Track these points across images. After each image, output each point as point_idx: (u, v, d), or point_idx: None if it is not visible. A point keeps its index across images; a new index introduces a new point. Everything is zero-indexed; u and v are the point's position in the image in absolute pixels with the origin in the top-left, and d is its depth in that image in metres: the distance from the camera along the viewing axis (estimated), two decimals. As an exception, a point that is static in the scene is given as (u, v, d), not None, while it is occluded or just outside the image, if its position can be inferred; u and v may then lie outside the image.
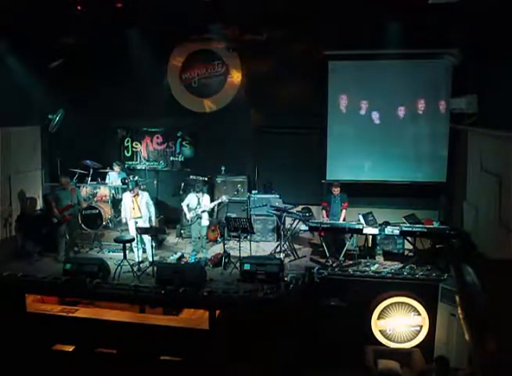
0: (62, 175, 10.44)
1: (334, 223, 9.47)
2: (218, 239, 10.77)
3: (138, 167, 12.30)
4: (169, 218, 11.50)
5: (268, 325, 7.65)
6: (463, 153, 9.80)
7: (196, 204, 9.68)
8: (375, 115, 10.88)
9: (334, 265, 9.02)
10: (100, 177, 11.23)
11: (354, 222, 9.32)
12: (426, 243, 9.34)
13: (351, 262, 9.15)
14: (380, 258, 9.47)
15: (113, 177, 11.19)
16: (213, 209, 10.61)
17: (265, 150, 11.67)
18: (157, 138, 12.31)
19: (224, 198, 10.00)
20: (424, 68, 10.47)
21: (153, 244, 9.39)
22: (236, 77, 11.63)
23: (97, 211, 10.58)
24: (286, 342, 7.71)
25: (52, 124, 11.29)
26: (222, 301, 8.09)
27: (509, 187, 7.48)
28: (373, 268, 8.90)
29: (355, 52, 10.56)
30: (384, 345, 8.45)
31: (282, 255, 9.49)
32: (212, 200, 10.09)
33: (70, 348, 8.57)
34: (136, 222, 9.17)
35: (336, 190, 9.74)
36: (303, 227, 10.52)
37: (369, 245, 9.62)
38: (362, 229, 9.07)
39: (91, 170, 11.12)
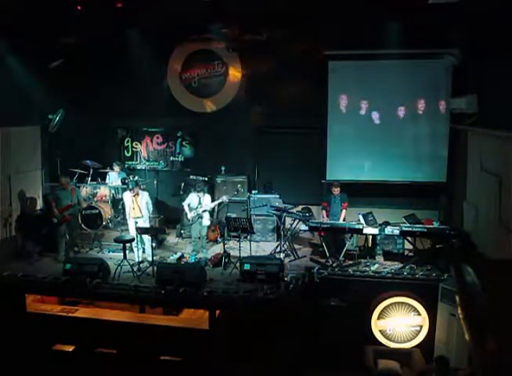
0: (62, 175, 10.43)
1: (334, 223, 9.47)
2: (218, 239, 10.77)
3: (138, 167, 12.30)
4: (169, 218, 11.50)
5: (268, 325, 7.65)
6: (463, 153, 9.80)
7: (197, 203, 9.68)
8: (375, 115, 10.88)
9: (334, 265, 9.02)
10: (100, 177, 11.24)
11: (354, 222, 9.32)
12: (426, 243, 9.33)
13: (351, 262, 9.15)
14: (380, 258, 9.47)
15: (113, 177, 11.19)
16: (213, 209, 10.62)
17: (265, 149, 11.67)
18: (157, 138, 12.31)
19: (224, 198, 10.00)
20: (424, 68, 10.47)
21: (153, 244, 9.38)
22: (236, 77, 11.63)
23: (97, 211, 10.58)
24: (286, 342, 7.71)
25: (52, 124, 11.29)
26: (222, 301, 8.09)
27: (509, 187, 7.48)
28: (373, 268, 8.90)
29: (355, 52, 10.56)
30: (384, 345, 8.45)
31: (282, 255, 9.49)
32: (213, 200, 10.10)
33: (70, 348, 8.57)
34: (136, 222, 9.17)
35: (336, 190, 9.74)
36: (303, 227, 10.52)
37: (369, 245, 9.62)
38: (362, 229, 9.07)
39: (91, 170, 11.12)
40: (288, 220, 10.35)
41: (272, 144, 11.58)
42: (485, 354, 2.53)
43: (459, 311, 2.70)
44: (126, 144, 12.41)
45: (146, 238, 9.44)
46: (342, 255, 9.16)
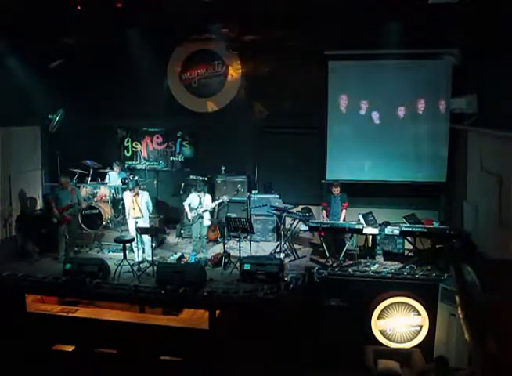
0: (62, 175, 10.42)
1: (334, 223, 9.47)
2: (218, 239, 10.77)
3: (138, 167, 12.30)
4: (169, 218, 11.51)
5: (268, 325, 7.65)
6: (463, 153, 9.80)
7: (198, 203, 9.68)
8: (375, 115, 10.87)
9: (334, 265, 9.02)
10: (100, 177, 11.23)
11: (354, 222, 9.32)
12: (426, 243, 9.32)
13: (351, 262, 9.15)
14: (380, 258, 9.46)
15: (113, 177, 11.19)
16: (214, 209, 10.62)
17: (265, 149, 11.67)
18: (157, 138, 12.31)
19: (225, 198, 10.00)
20: (424, 68, 10.46)
21: (153, 244, 9.38)
22: (235, 77, 11.63)
23: (97, 211, 10.58)
24: (286, 342, 7.71)
25: (52, 124, 11.28)
26: (222, 301, 8.08)
27: (509, 187, 7.48)
28: (373, 268, 8.90)
29: (355, 52, 10.56)
30: (384, 345, 8.44)
31: (282, 255, 9.49)
32: (213, 200, 10.10)
33: (70, 348, 8.56)
34: (136, 222, 9.17)
35: (336, 190, 9.74)
36: (303, 227, 10.53)
37: (369, 245, 9.61)
38: (362, 229, 9.07)
39: (91, 170, 11.11)
40: (288, 220, 10.35)
41: (272, 144, 11.58)
42: (485, 354, 2.53)
43: (459, 311, 2.69)
44: (126, 144, 12.41)
45: (146, 238, 9.44)
46: (342, 255, 9.16)
